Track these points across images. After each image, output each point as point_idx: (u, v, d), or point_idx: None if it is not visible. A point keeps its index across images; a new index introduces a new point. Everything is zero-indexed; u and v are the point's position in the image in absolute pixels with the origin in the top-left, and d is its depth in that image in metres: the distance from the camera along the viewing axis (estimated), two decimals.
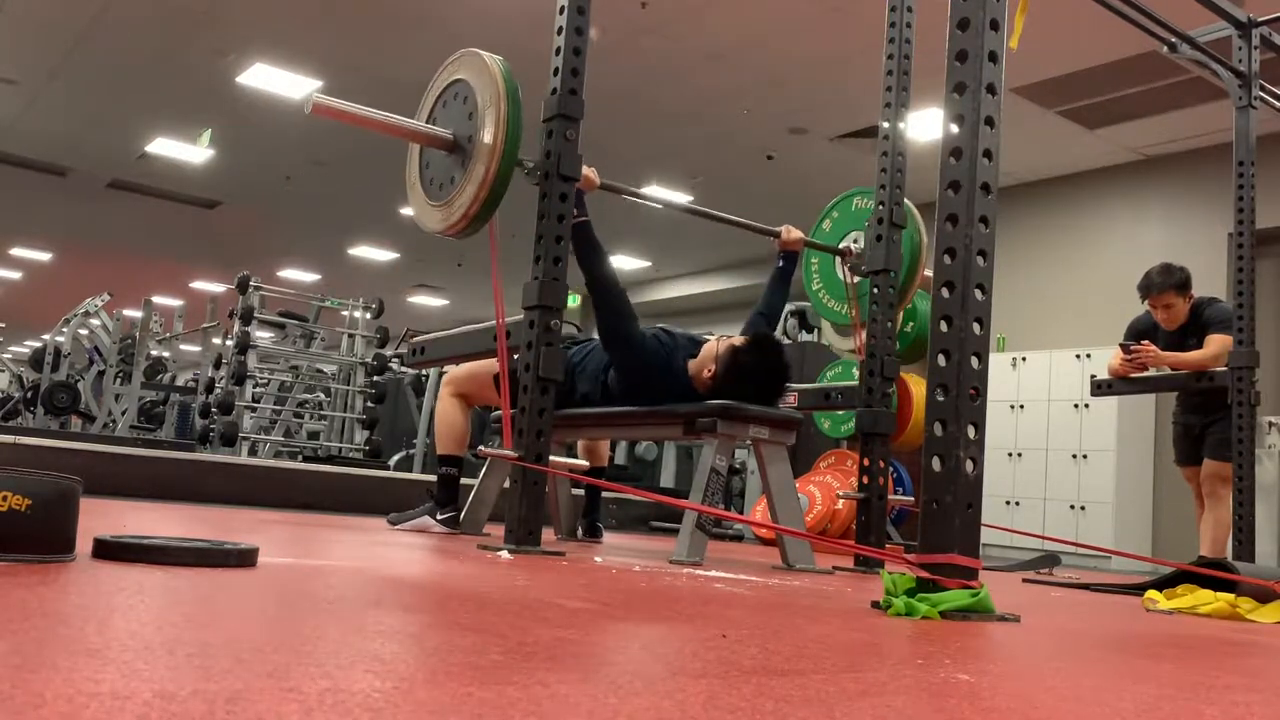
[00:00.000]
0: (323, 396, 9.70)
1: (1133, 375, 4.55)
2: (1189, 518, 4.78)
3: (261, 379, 8.74)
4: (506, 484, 2.61)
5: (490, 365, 3.17)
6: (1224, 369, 4.10)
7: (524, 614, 1.21)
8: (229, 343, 8.34)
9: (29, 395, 11.41)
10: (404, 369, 9.21)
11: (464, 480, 3.32)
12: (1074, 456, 7.38)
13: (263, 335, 9.12)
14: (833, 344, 4.05)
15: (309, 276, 14.67)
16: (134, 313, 11.11)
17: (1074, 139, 7.75)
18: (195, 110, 8.70)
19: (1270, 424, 6.49)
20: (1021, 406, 7.72)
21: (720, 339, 3.09)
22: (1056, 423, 7.51)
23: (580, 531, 3.69)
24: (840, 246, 3.66)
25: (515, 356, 2.68)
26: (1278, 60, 4.50)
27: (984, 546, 1.79)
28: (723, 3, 6.19)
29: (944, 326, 1.68)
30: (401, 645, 0.89)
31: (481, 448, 2.81)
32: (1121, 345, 4.55)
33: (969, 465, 1.62)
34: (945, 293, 1.68)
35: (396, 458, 8.58)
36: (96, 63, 7.83)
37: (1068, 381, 7.47)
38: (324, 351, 9.31)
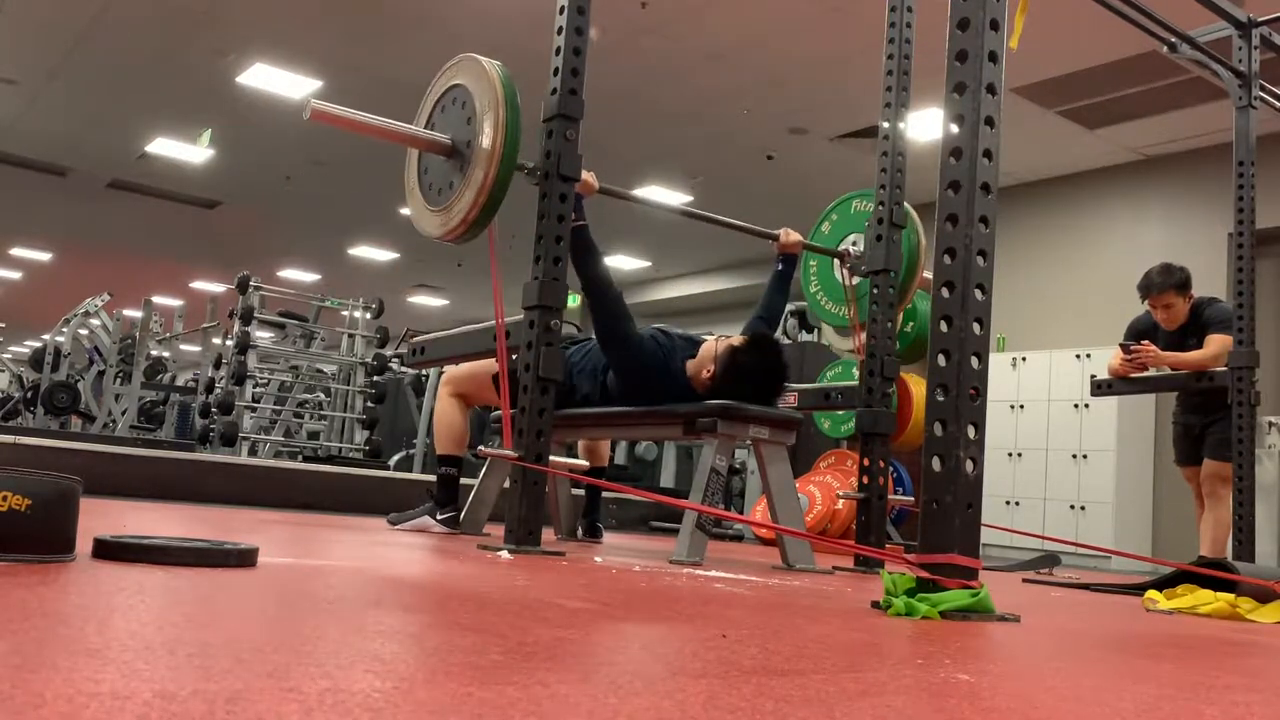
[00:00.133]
0: (323, 396, 9.71)
1: (1133, 375, 4.55)
2: (1189, 518, 4.78)
3: (261, 379, 8.74)
4: (506, 484, 2.61)
5: (490, 365, 3.17)
6: (1224, 369, 4.10)
7: (524, 614, 1.21)
8: (229, 343, 8.34)
9: (29, 395, 11.41)
10: (404, 369, 9.21)
11: (464, 480, 3.32)
12: (1074, 456, 7.38)
13: (263, 335, 9.12)
14: (832, 344, 4.05)
15: (309, 276, 14.67)
16: (134, 313, 11.11)
17: (1074, 139, 7.75)
18: (195, 110, 8.70)
19: (1270, 424, 6.49)
20: (1021, 406, 7.71)
21: (719, 339, 3.09)
22: (1056, 423, 7.51)
23: (580, 531, 3.69)
24: (839, 249, 3.66)
25: (515, 356, 2.68)
26: (1278, 60, 4.50)
27: (984, 546, 1.79)
28: (723, 3, 6.19)
29: (944, 326, 1.68)
30: (401, 645, 0.89)
31: (481, 448, 2.81)
32: (1121, 345, 4.55)
33: (969, 465, 1.62)
34: (945, 293, 1.68)
35: (396, 458, 8.58)
36: (96, 63, 7.83)
37: (1068, 381, 7.47)
38: (324, 351, 9.31)
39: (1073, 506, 7.31)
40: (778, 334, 4.65)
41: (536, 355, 2.52)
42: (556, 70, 2.65)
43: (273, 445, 8.58)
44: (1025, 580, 3.59)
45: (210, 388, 8.80)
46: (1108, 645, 1.56)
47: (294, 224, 12.20)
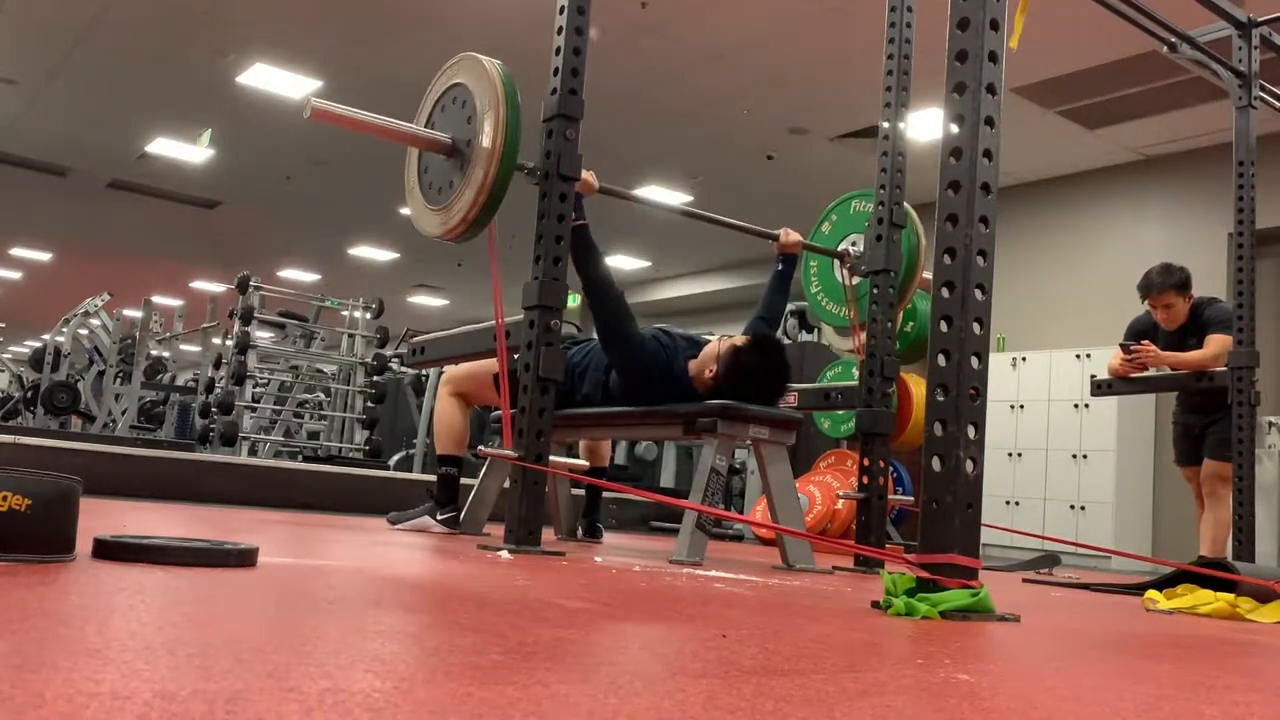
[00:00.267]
0: (323, 396, 9.71)
1: (1133, 375, 4.55)
2: (1189, 518, 4.78)
3: (261, 379, 8.74)
4: (506, 484, 2.61)
5: (490, 365, 3.17)
6: (1224, 369, 4.10)
7: (524, 614, 1.21)
8: (229, 343, 8.34)
9: (29, 395, 11.42)
10: (404, 369, 9.21)
11: (464, 480, 3.32)
12: (1074, 456, 7.38)
13: (263, 335, 9.12)
14: (833, 344, 4.05)
15: (309, 276, 14.67)
16: (134, 313, 11.11)
17: (1074, 139, 7.75)
18: (195, 110, 8.70)
19: (1270, 424, 6.49)
20: (1021, 406, 7.71)
21: (721, 339, 3.09)
22: (1056, 423, 7.51)
23: (580, 531, 3.69)
24: (839, 249, 3.66)
25: (515, 356, 2.68)
26: (1278, 60, 4.50)
27: (984, 546, 1.79)
28: (723, 3, 6.19)
29: (944, 326, 1.68)
30: (401, 645, 0.89)
31: (481, 448, 2.81)
32: (1121, 345, 4.55)
33: (969, 465, 1.62)
34: (945, 293, 1.68)
35: (396, 458, 8.59)
36: (96, 63, 7.83)
37: (1068, 381, 7.47)
38: (324, 351, 9.31)
39: (1073, 506, 7.31)
40: (778, 334, 4.64)
41: (536, 355, 2.52)
42: (556, 70, 2.65)
43: (273, 445, 8.59)
44: (1025, 580, 3.59)
45: (210, 388, 8.80)
46: (1108, 645, 1.56)
47: (294, 224, 12.20)
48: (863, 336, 3.33)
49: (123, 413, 10.39)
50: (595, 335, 3.24)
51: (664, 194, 9.61)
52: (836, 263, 3.68)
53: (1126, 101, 7.04)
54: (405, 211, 2.96)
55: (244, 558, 1.47)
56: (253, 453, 8.02)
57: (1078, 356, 7.48)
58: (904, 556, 1.77)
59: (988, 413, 1.69)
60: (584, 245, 2.89)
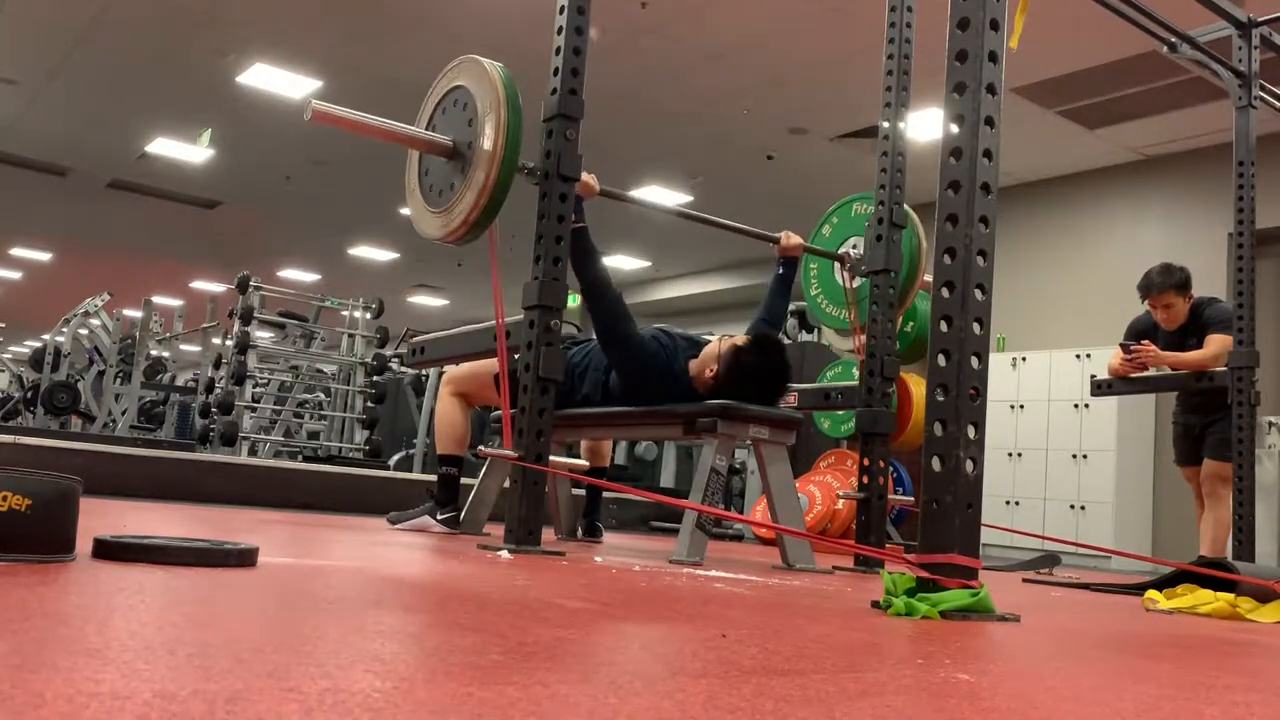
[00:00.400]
0: (323, 396, 9.71)
1: (1133, 375, 4.55)
2: (1189, 518, 4.78)
3: (261, 379, 8.75)
4: (506, 484, 2.61)
5: (490, 365, 3.17)
6: (1224, 369, 4.10)
7: (524, 614, 1.21)
8: (229, 343, 8.34)
9: (29, 395, 11.42)
10: (404, 369, 9.21)
11: (464, 480, 3.32)
12: (1074, 456, 7.38)
13: (263, 335, 9.12)
14: (833, 344, 4.05)
15: (309, 276, 14.67)
16: (134, 313, 11.11)
17: (1074, 139, 7.75)
18: (195, 110, 8.70)
19: (1270, 424, 6.49)
20: (1021, 406, 7.71)
21: (722, 339, 3.09)
22: (1056, 423, 7.51)
23: (580, 531, 3.69)
24: (839, 252, 3.65)
25: (515, 356, 2.68)
26: (1278, 60, 4.50)
27: (984, 546, 1.79)
28: (723, 3, 6.19)
29: (944, 326, 1.67)
30: (401, 645, 0.89)
31: (481, 448, 2.81)
32: (1121, 345, 4.55)
33: (969, 465, 1.62)
34: (945, 293, 1.68)
35: (396, 458, 8.59)
36: (96, 63, 7.83)
37: (1068, 381, 7.47)
38: (324, 351, 9.31)
39: (1073, 506, 7.31)
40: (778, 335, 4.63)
41: (536, 355, 2.52)
42: (556, 70, 2.65)
43: (273, 445, 8.59)
44: (1025, 580, 3.59)
45: (210, 388, 8.80)
46: (1108, 645, 1.56)
47: (294, 224, 12.20)
48: (863, 339, 3.33)
49: (123, 413, 10.39)
50: (594, 336, 3.23)
51: (664, 194, 9.61)
52: (837, 265, 3.68)
53: (1126, 101, 7.04)
54: (405, 211, 2.96)
55: (244, 558, 1.47)
56: (253, 453, 8.02)
57: (1078, 356, 7.48)
58: (904, 556, 1.77)
59: (988, 413, 1.69)
60: (583, 248, 2.88)
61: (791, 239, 3.49)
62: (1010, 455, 7.64)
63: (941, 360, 1.67)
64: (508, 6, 6.41)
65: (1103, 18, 3.76)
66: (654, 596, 1.67)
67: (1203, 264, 5.92)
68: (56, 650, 0.70)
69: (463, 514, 3.22)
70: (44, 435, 5.92)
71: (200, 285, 14.88)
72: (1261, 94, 4.08)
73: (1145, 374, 4.55)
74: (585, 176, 2.87)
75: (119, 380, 10.74)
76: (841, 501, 4.88)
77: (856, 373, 3.42)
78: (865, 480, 3.18)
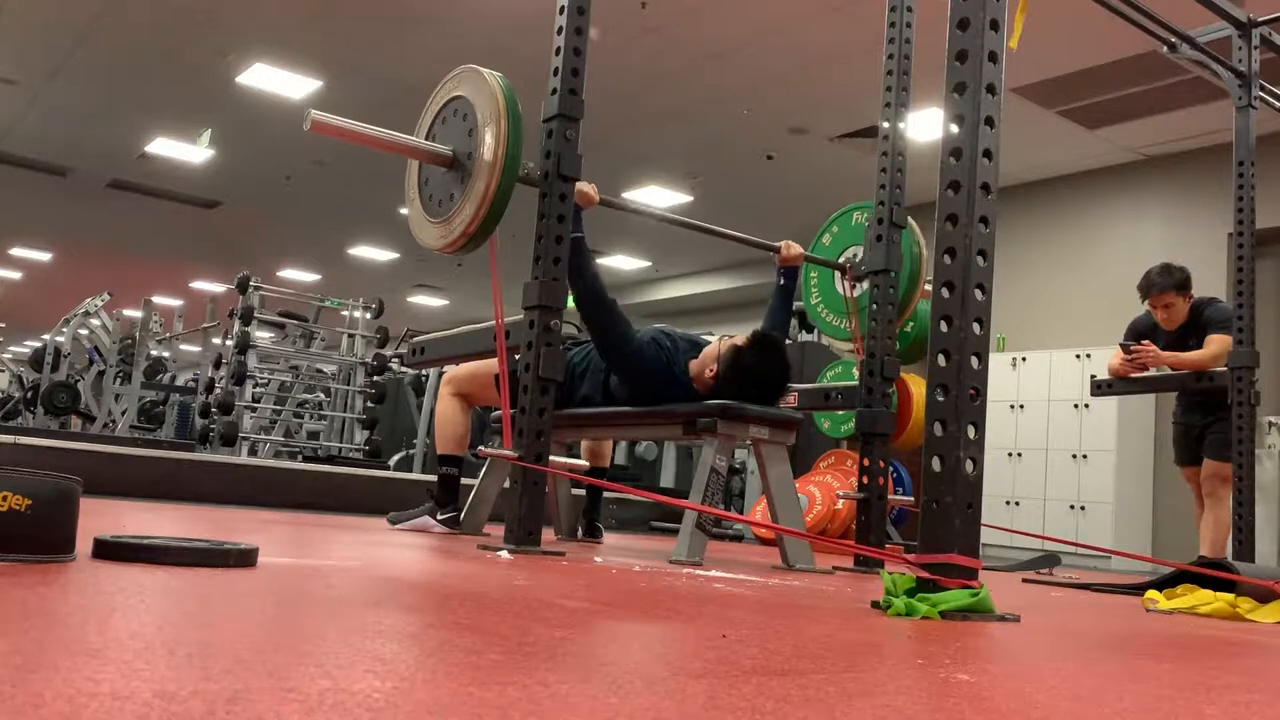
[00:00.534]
0: (323, 396, 9.71)
1: (1133, 375, 4.56)
2: (1189, 518, 4.79)
3: (261, 379, 8.75)
4: (506, 484, 2.61)
5: (491, 365, 3.17)
6: (1224, 369, 4.10)
7: (524, 614, 1.21)
8: (229, 343, 8.34)
9: (29, 395, 11.42)
10: (404, 369, 9.21)
11: (464, 480, 3.32)
12: (1074, 456, 7.38)
13: (263, 335, 9.12)
14: (833, 344, 4.05)
15: (309, 276, 14.67)
16: (134, 313, 11.12)
17: (1074, 139, 7.75)
18: (195, 110, 8.70)
19: (1270, 424, 6.49)
20: (1021, 406, 7.71)
21: (722, 339, 3.09)
22: (1056, 423, 7.51)
23: (580, 531, 3.69)
24: (840, 261, 3.65)
25: (515, 357, 2.68)
26: (1278, 60, 4.50)
27: (984, 546, 1.79)
28: (723, 3, 6.19)
29: (944, 326, 1.67)
30: (401, 645, 0.89)
31: (481, 448, 2.81)
32: (1122, 345, 4.55)
33: (969, 465, 1.62)
34: (945, 293, 1.68)
35: (396, 458, 8.59)
36: (96, 63, 7.83)
37: (1068, 381, 7.47)
38: (324, 351, 9.31)
39: (1073, 506, 7.31)
40: None
41: (536, 355, 2.52)
42: (556, 70, 2.65)
43: (273, 445, 8.59)
44: (1025, 580, 3.59)
45: (210, 388, 8.81)
46: (1108, 645, 1.56)
47: (294, 224, 12.20)
48: (862, 348, 3.33)
49: (123, 413, 10.39)
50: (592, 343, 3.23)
51: (664, 194, 9.62)
52: (837, 274, 3.67)
53: (1126, 101, 7.04)
54: (405, 212, 2.96)
55: (244, 558, 1.47)
56: (253, 453, 8.02)
57: (1078, 356, 7.48)
58: (904, 556, 1.77)
59: (988, 413, 1.69)
60: (580, 258, 2.84)
61: (792, 249, 3.46)
62: (1010, 455, 7.64)
63: (941, 360, 1.67)
64: (508, 6, 6.41)
65: (1103, 18, 3.76)
66: (654, 596, 1.67)
67: (1203, 264, 5.92)
68: (56, 650, 0.70)
69: (463, 514, 3.22)
70: (44, 435, 5.92)
71: (200, 285, 14.88)
72: (1261, 94, 4.08)
73: (1145, 374, 4.55)
74: (585, 186, 2.86)
75: (119, 380, 10.75)
76: (841, 501, 4.88)
77: (856, 373, 3.42)
78: (865, 480, 3.18)
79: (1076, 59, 6.48)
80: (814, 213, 3.99)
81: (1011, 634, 1.51)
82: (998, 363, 7.65)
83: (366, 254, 13.20)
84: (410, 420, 9.13)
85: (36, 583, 1.07)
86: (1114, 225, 8.11)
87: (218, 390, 8.24)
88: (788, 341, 6.67)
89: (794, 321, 7.18)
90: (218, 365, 8.80)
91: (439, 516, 3.20)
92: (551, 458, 2.57)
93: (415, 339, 3.40)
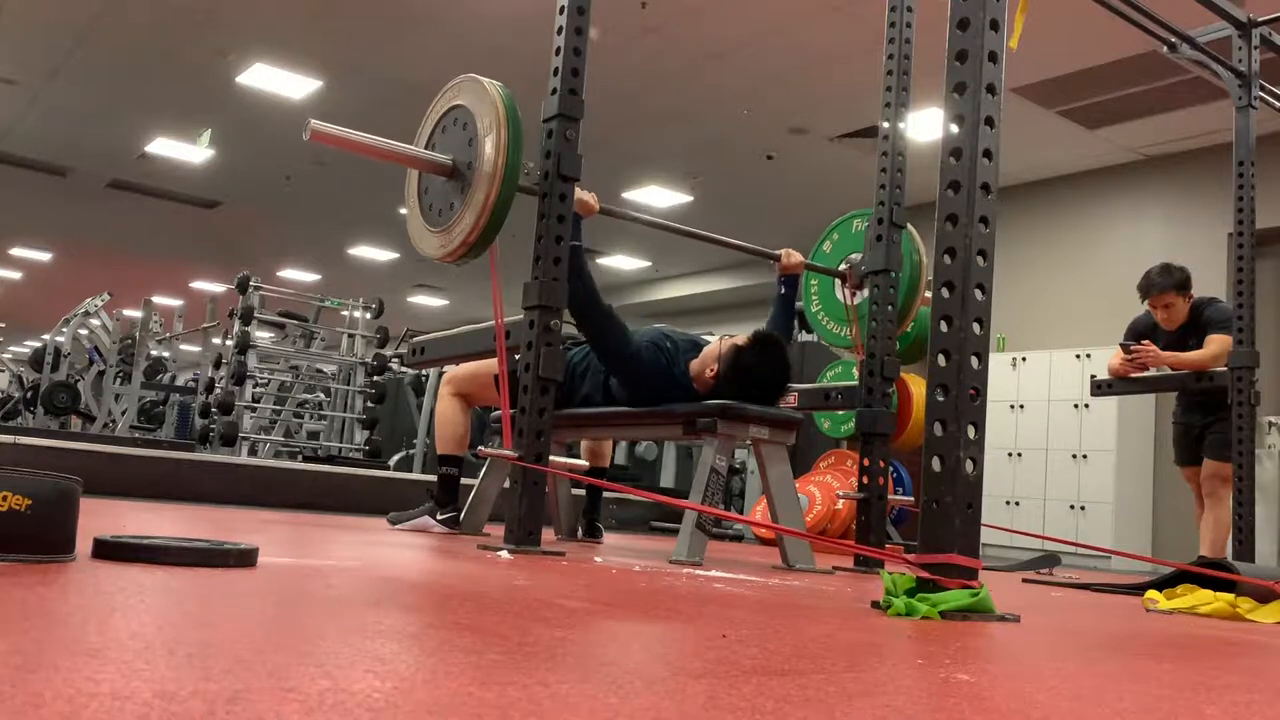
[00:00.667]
0: (323, 396, 9.71)
1: (1133, 375, 4.56)
2: (1189, 518, 4.79)
3: (261, 379, 8.75)
4: (506, 484, 2.61)
5: (491, 365, 3.17)
6: (1224, 369, 4.10)
7: (524, 614, 1.21)
8: (229, 343, 8.35)
9: (29, 395, 11.42)
10: (404, 369, 9.21)
11: (464, 480, 3.32)
12: (1074, 456, 7.38)
13: (263, 335, 9.12)
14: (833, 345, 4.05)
15: (309, 276, 14.67)
16: (134, 313, 11.12)
17: (1074, 139, 7.75)
18: (195, 110, 8.70)
19: (1270, 424, 6.49)
20: (1021, 406, 7.71)
21: (722, 339, 3.09)
22: (1056, 423, 7.51)
23: (580, 531, 3.69)
24: (840, 268, 3.64)
25: (515, 357, 2.68)
26: (1278, 60, 4.49)
27: (984, 546, 1.79)
28: (723, 3, 6.19)
29: (944, 326, 1.67)
30: (401, 645, 0.89)
31: (481, 448, 2.81)
32: (1122, 345, 4.55)
33: (969, 465, 1.62)
34: (945, 293, 1.68)
35: (396, 458, 8.59)
36: (96, 63, 7.83)
37: (1068, 381, 7.47)
38: (324, 351, 9.31)
39: (1073, 506, 7.31)
40: None
41: (536, 355, 2.52)
42: (556, 70, 2.65)
43: (273, 445, 8.59)
44: (1025, 580, 3.59)
45: (210, 388, 8.81)
46: (1108, 645, 1.56)
47: (294, 224, 12.20)
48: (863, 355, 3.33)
49: (123, 413, 10.39)
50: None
51: (664, 194, 9.62)
52: (838, 282, 3.67)
53: (1126, 101, 7.04)
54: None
55: (244, 558, 1.47)
56: (253, 453, 8.02)
57: (1078, 356, 7.48)
58: (904, 556, 1.77)
59: (988, 413, 1.69)
60: (577, 268, 2.81)
61: (792, 257, 3.44)
62: (1010, 455, 7.64)
63: (941, 360, 1.67)
64: (508, 7, 6.41)
65: (1103, 18, 3.76)
66: (654, 596, 1.67)
67: (1203, 264, 5.92)
68: (56, 650, 0.70)
69: (463, 514, 3.22)
70: (44, 435, 5.92)
71: (200, 285, 14.88)
72: (1261, 94, 4.08)
73: (1145, 374, 4.55)
74: (584, 195, 2.85)
75: (119, 380, 10.75)
76: (841, 501, 4.88)
77: (856, 373, 3.42)
78: (865, 480, 3.18)
79: (1076, 59, 6.48)
80: (814, 213, 4.00)
81: (1011, 634, 1.51)
82: (998, 363, 7.65)
83: (366, 254, 13.20)
84: (410, 420, 9.13)
85: (36, 583, 1.07)
86: (1114, 225, 8.11)
87: (218, 390, 8.24)
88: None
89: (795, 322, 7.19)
90: (218, 365, 8.80)
91: (439, 516, 3.20)
92: (551, 458, 2.57)
93: (415, 339, 3.41)
